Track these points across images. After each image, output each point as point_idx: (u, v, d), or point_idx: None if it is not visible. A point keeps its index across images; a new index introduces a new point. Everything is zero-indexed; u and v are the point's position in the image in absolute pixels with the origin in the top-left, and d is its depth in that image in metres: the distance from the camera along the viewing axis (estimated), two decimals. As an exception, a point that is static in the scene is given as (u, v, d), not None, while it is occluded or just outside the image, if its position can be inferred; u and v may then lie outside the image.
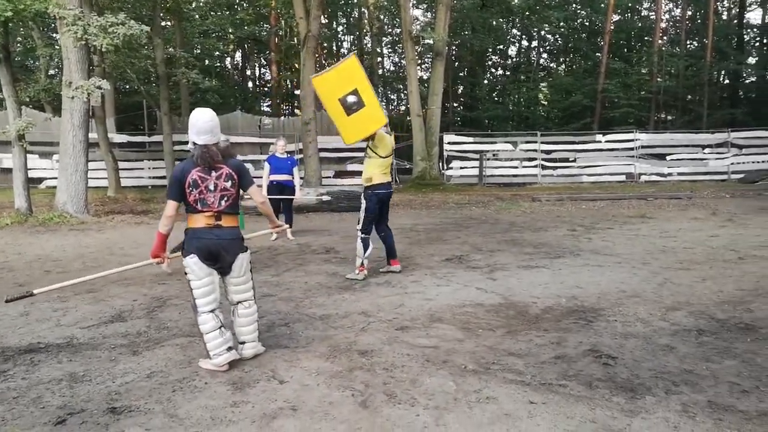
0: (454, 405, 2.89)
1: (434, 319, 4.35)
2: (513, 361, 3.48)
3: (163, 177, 17.14)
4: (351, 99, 5.51)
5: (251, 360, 3.50)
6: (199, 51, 26.20)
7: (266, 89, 33.17)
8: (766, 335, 3.85)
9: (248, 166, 18.03)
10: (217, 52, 28.18)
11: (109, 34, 9.49)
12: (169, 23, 21.68)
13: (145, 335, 4.08)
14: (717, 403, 2.86)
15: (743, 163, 19.90)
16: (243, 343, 3.52)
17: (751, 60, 31.32)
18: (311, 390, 3.08)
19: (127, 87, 21.87)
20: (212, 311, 3.39)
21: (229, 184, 3.38)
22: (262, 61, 31.94)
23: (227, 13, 24.59)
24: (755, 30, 33.39)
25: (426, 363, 3.46)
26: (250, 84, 34.33)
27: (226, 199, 3.38)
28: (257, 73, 35.00)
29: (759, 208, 11.39)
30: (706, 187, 17.21)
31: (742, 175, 19.09)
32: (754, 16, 34.02)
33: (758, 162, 19.71)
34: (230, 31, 24.78)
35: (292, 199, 8.58)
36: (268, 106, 31.80)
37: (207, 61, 27.40)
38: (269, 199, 8.53)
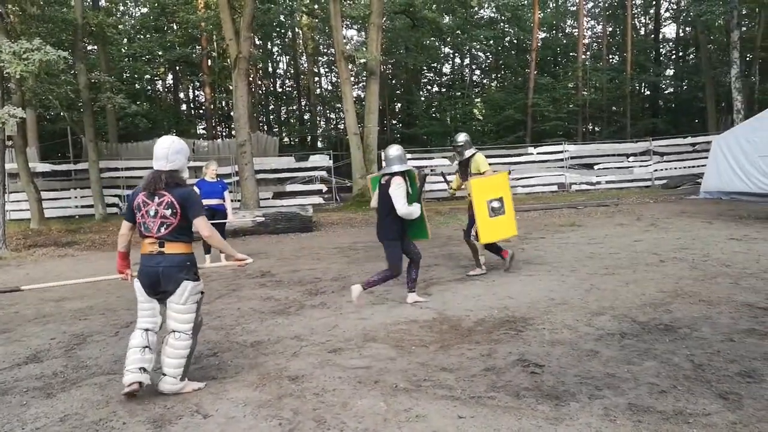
0: (384, 426, 2.86)
1: (368, 339, 4.31)
2: (444, 376, 3.49)
3: (91, 206, 16.41)
4: (496, 204, 6.31)
5: (174, 395, 3.35)
6: (128, 75, 25.47)
7: (201, 111, 32.53)
8: (683, 335, 4.02)
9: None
10: (147, 76, 27.45)
11: (23, 60, 9.05)
12: (94, 47, 20.99)
13: (62, 376, 3.84)
14: (637, 405, 2.95)
15: (665, 169, 21.01)
16: (164, 375, 3.37)
17: (669, 72, 33.35)
18: (237, 422, 2.97)
19: (51, 114, 20.91)
20: (146, 330, 3.41)
21: (169, 212, 3.34)
22: (196, 83, 31.32)
23: (156, 35, 24.04)
24: (671, 44, 35.62)
25: (357, 385, 3.41)
26: (183, 107, 33.58)
27: (165, 226, 3.35)
28: (191, 96, 34.30)
29: (680, 212, 12.02)
30: (631, 193, 18.06)
31: (664, 181, 20.14)
32: (669, 30, 36.32)
33: (679, 168, 20.86)
34: (160, 53, 24.19)
35: (225, 223, 8.48)
36: (203, 128, 31.16)
37: (137, 85, 26.65)
38: None
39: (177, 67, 28.71)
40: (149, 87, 29.91)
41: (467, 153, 6.58)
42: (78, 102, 15.88)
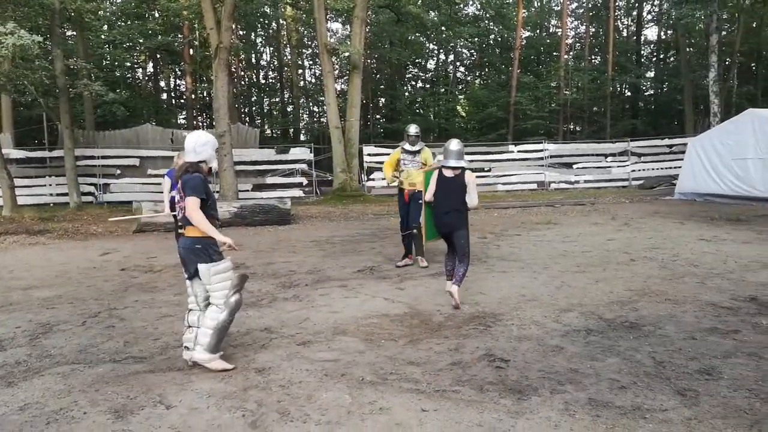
0: (347, 418, 2.87)
1: (338, 332, 4.32)
2: (411, 370, 3.51)
3: (65, 194, 16.12)
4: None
5: (137, 385, 3.33)
6: (107, 62, 25.03)
7: (181, 101, 32.14)
8: (647, 332, 4.10)
9: (161, 180, 17.28)
10: (127, 63, 27.01)
11: (-5, 43, 8.85)
12: (72, 33, 20.59)
13: (25, 364, 3.78)
14: (597, 399, 3.00)
15: (643, 170, 21.31)
16: (198, 344, 3.56)
17: (650, 74, 33.81)
18: (200, 413, 2.96)
19: (27, 99, 20.48)
20: (190, 310, 3.72)
21: (179, 197, 3.65)
22: (177, 72, 30.92)
23: (137, 22, 23.64)
24: (652, 46, 36.10)
25: (324, 377, 3.42)
26: (164, 96, 33.14)
27: (181, 210, 3.65)
28: (171, 85, 33.86)
29: (654, 212, 12.21)
30: (608, 193, 18.28)
31: (641, 182, 20.42)
32: (651, 33, 36.81)
33: (656, 169, 21.17)
34: (140, 41, 23.79)
35: None
36: (183, 118, 30.80)
37: (117, 73, 26.21)
38: (173, 214, 8.23)
39: (158, 56, 28.34)
40: (129, 75, 29.43)
41: (418, 145, 7.03)
42: (54, 88, 15.57)
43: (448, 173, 5.13)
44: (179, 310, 5.06)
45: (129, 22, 24.34)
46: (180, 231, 3.73)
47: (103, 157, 17.15)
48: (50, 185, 17.13)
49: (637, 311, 4.62)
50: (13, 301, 5.61)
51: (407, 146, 7.06)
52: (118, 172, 17.40)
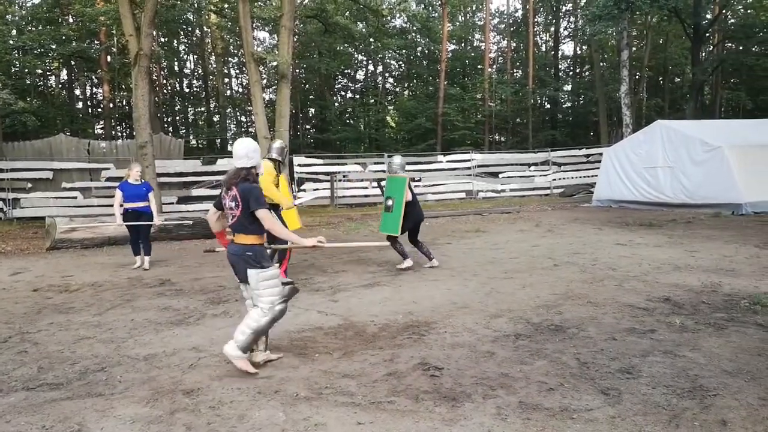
0: (281, 437, 2.80)
1: (270, 348, 4.21)
2: (346, 383, 3.48)
3: (-29, 209, 14.93)
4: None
5: (54, 414, 3.11)
6: (16, 68, 23.49)
7: (98, 110, 30.60)
8: (572, 334, 4.27)
9: (76, 194, 16.31)
10: (39, 70, 25.43)
11: None
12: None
13: None
14: (527, 403, 3.09)
15: (563, 179, 22.33)
16: (233, 338, 3.65)
17: (567, 87, 35.60)
18: (123, 441, 2.80)
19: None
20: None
21: (233, 204, 3.68)
22: (93, 80, 29.41)
23: (49, 27, 22.34)
24: (569, 60, 38.06)
25: (257, 395, 3.32)
26: (80, 104, 31.43)
27: (232, 218, 3.71)
28: (88, 93, 32.18)
29: (574, 219, 12.80)
30: (532, 201, 19.03)
31: (562, 190, 21.41)
32: (568, 48, 38.83)
33: (575, 177, 22.25)
34: (53, 47, 22.48)
35: (150, 225, 8.32)
36: (101, 128, 29.33)
37: (27, 80, 24.62)
38: (128, 226, 8.02)
39: (72, 63, 26.85)
40: (41, 82, 27.73)
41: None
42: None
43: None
44: (98, 332, 4.79)
45: (40, 27, 22.98)
46: (230, 236, 3.82)
47: (13, 170, 16.00)
48: (-49, 200, 15.79)
49: (561, 314, 4.81)
50: None
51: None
52: (29, 185, 16.28)
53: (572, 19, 35.43)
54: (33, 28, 23.11)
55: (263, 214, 3.63)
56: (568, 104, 35.50)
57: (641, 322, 4.53)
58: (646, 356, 3.75)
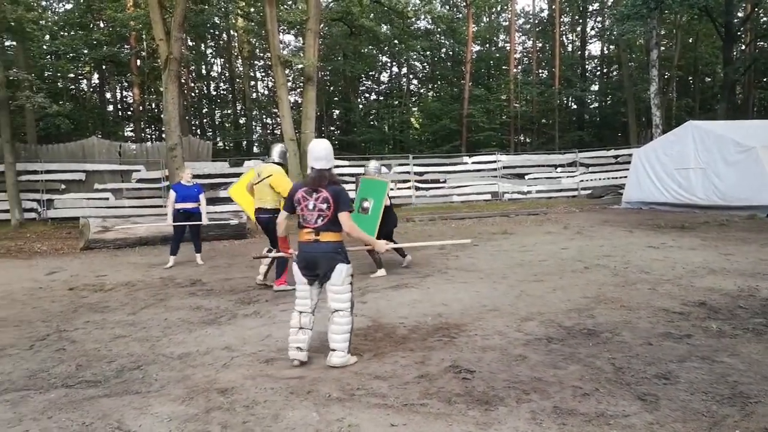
0: (316, 437, 2.82)
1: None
2: (378, 384, 3.48)
3: (6, 211, 15.34)
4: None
5: (93, 411, 3.17)
6: (50, 73, 24.11)
7: (129, 113, 31.21)
8: (605, 339, 4.20)
9: (108, 195, 16.66)
10: (71, 75, 26.06)
11: (-71, 52, 8.37)
12: (12, 43, 19.71)
13: (-33, 394, 3.55)
14: (561, 408, 3.05)
15: (590, 180, 22.04)
16: (333, 350, 3.81)
17: (594, 87, 35.11)
18: (161, 438, 2.84)
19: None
20: (300, 312, 3.91)
21: (324, 206, 3.82)
22: (124, 83, 30.02)
23: (81, 33, 22.88)
24: (596, 60, 37.54)
25: (290, 395, 3.35)
26: (110, 108, 32.10)
27: (322, 218, 3.84)
28: (118, 96, 32.85)
29: (603, 221, 12.62)
30: (559, 203, 18.81)
31: (589, 191, 21.12)
32: (595, 48, 38.30)
33: (603, 179, 21.94)
34: (85, 51, 23.02)
35: (200, 225, 8.81)
36: (131, 131, 29.90)
37: (60, 84, 25.25)
38: (175, 226, 8.30)
39: (103, 67, 27.43)
40: (73, 86, 28.41)
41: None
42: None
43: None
44: (133, 331, 4.88)
45: (73, 33, 23.54)
46: (308, 237, 3.89)
47: (47, 172, 16.43)
48: (-11, 201, 16.25)
49: (594, 318, 4.74)
50: (-49, 325, 5.28)
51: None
52: (63, 187, 16.69)
53: (599, 18, 34.96)
54: (65, 33, 23.69)
55: (347, 217, 3.85)
56: (596, 105, 35.00)
57: (677, 326, 4.44)
58: (683, 362, 3.67)
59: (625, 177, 17.05)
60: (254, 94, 35.18)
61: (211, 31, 30.36)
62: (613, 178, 21.55)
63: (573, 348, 4.01)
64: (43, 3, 25.55)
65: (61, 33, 23.58)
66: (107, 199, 16.85)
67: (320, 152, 3.91)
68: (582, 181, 21.78)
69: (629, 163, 16.89)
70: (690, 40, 30.88)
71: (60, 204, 16.52)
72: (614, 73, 35.86)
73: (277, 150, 6.72)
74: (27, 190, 16.10)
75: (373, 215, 6.99)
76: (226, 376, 3.70)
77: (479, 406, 3.10)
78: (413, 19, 28.12)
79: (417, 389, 3.38)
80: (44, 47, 21.99)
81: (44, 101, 14.67)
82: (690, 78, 33.41)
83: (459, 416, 2.99)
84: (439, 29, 32.30)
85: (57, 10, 26.65)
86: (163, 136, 19.19)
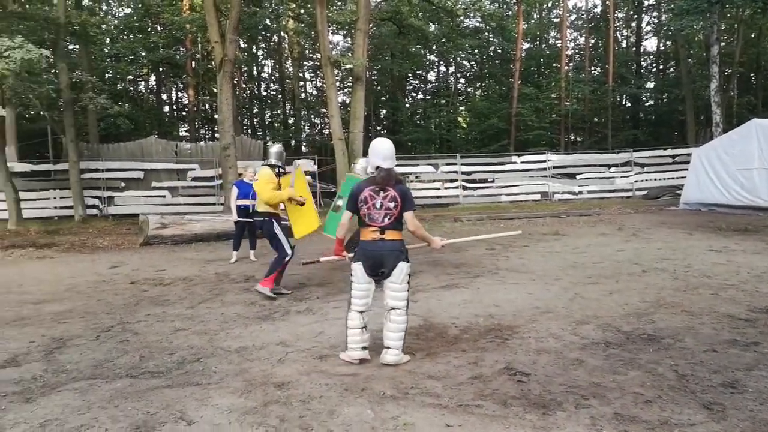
0: (372, 434, 2.84)
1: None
2: (431, 384, 3.48)
3: (70, 207, 16.12)
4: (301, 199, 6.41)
5: (157, 401, 3.30)
6: (110, 75, 25.18)
7: (183, 113, 32.25)
8: (667, 345, 4.06)
9: (164, 193, 17.29)
10: (130, 76, 27.14)
11: (4, 58, 8.90)
12: (76, 47, 20.69)
13: (41, 380, 3.75)
14: (623, 414, 2.97)
15: (646, 180, 21.35)
16: (388, 348, 3.84)
17: (650, 84, 33.94)
18: (222, 430, 2.93)
19: (31, 113, 20.56)
20: (361, 312, 3.91)
21: (392, 205, 3.86)
22: (179, 84, 31.05)
23: (139, 36, 23.79)
24: (651, 57, 36.29)
25: (344, 392, 3.38)
26: (166, 108, 33.26)
27: (389, 217, 3.87)
28: (174, 97, 33.99)
29: (660, 223, 12.19)
30: (613, 204, 18.29)
31: (645, 192, 20.44)
32: (651, 44, 37.00)
33: (659, 179, 21.21)
34: (143, 54, 23.94)
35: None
36: (186, 130, 30.88)
37: (119, 86, 26.34)
38: (236, 222, 8.59)
39: (160, 69, 28.45)
40: (131, 88, 29.58)
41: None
42: (59, 101, 15.64)
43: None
44: (192, 324, 5.04)
45: (132, 36, 24.50)
46: (373, 235, 3.89)
47: (108, 170, 17.18)
48: (55, 198, 17.13)
49: (654, 323, 4.59)
50: (25, 315, 5.58)
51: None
52: (123, 184, 17.41)
53: (656, 13, 33.76)
54: (125, 37, 24.68)
55: (412, 216, 3.91)
56: (651, 102, 33.83)
57: (743, 333, 4.25)
58: (750, 370, 3.51)
59: (683, 177, 16.44)
60: (303, 95, 35.72)
61: (263, 33, 30.99)
62: (670, 178, 20.82)
63: (633, 353, 3.90)
64: (104, 7, 26.73)
65: (121, 36, 24.60)
66: (164, 196, 17.48)
67: (387, 151, 3.95)
68: (637, 181, 21.13)
69: (687, 162, 16.28)
70: (752, 36, 29.42)
71: (120, 201, 17.24)
72: (671, 69, 34.58)
73: (273, 151, 6.37)
74: (89, 188, 16.87)
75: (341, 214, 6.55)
76: (282, 371, 3.77)
77: (536, 409, 3.05)
78: (462, 18, 27.92)
79: (471, 390, 3.35)
80: (105, 50, 23.00)
81: (106, 102, 15.34)
82: (752, 75, 31.83)
83: (516, 419, 2.95)
84: (488, 27, 31.94)
85: (117, 14, 27.81)
86: (217, 135, 19.72)
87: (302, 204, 6.44)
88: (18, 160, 17.31)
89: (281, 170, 6.33)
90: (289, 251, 6.18)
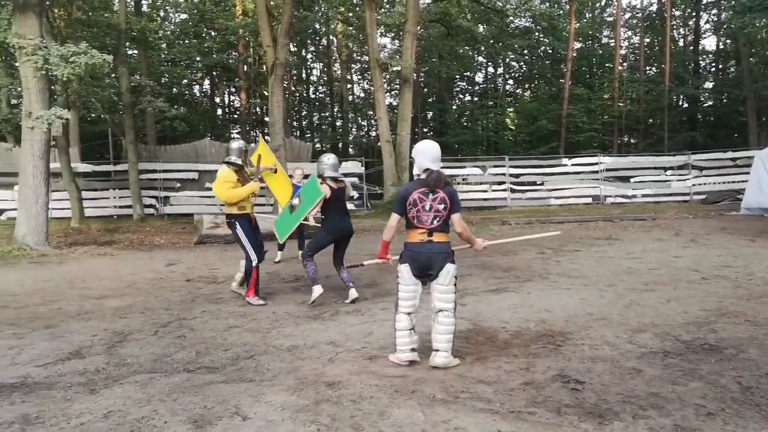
0: (423, 437, 2.84)
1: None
2: (482, 388, 3.44)
3: (129, 206, 16.80)
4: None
5: (213, 396, 3.39)
6: (166, 79, 26.10)
7: (235, 116, 33.08)
8: (729, 356, 3.90)
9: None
10: (185, 80, 28.05)
11: (70, 63, 9.34)
12: (134, 52, 21.55)
13: (104, 372, 3.92)
14: (683, 426, 2.86)
15: (704, 184, 20.50)
16: (437, 350, 3.83)
17: (708, 85, 32.62)
18: (276, 426, 2.98)
19: (93, 115, 21.54)
20: (408, 314, 3.92)
21: (442, 207, 3.86)
22: (231, 88, 31.90)
23: (195, 41, 24.57)
24: (710, 56, 34.86)
25: (394, 393, 3.39)
26: (219, 111, 34.21)
27: (438, 219, 3.88)
28: (226, 101, 34.92)
29: (720, 229, 11.70)
30: (669, 208, 17.65)
31: (704, 196, 19.64)
32: (709, 42, 35.55)
33: (719, 183, 20.34)
34: (198, 59, 24.72)
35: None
36: (237, 133, 31.68)
37: (175, 89, 27.27)
38: None
39: (214, 73, 29.31)
40: (186, 91, 30.57)
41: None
42: (119, 104, 16.32)
43: (337, 185, 5.89)
44: (245, 322, 5.16)
45: (187, 41, 25.32)
46: (421, 237, 3.89)
47: (164, 171, 17.80)
48: (114, 198, 17.88)
49: (715, 333, 4.41)
50: (88, 310, 5.85)
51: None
52: (178, 185, 18.01)
53: (715, 11, 32.41)
54: (181, 42, 25.54)
55: (459, 217, 3.93)
56: (710, 103, 32.49)
57: (813, 346, 4.03)
58: (823, 385, 3.33)
59: (744, 181, 15.71)
60: (351, 97, 36.06)
61: (312, 36, 31.47)
62: (730, 182, 19.94)
63: (693, 364, 3.75)
64: (162, 14, 27.73)
65: (177, 41, 25.47)
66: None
67: (435, 153, 3.95)
68: (695, 185, 20.33)
69: (749, 166, 15.55)
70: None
71: (175, 201, 17.85)
72: (731, 69, 33.13)
73: (233, 147, 6.03)
74: (147, 188, 17.53)
75: (296, 217, 6.12)
76: (333, 371, 3.81)
77: (592, 418, 2.98)
78: (512, 18, 27.59)
79: (523, 396, 3.30)
80: (162, 55, 23.85)
81: (164, 105, 15.91)
82: (820, 73, 30.14)
83: (570, 428, 2.89)
84: (538, 27, 31.42)
85: (173, 20, 28.81)
86: (267, 137, 20.09)
87: (275, 171, 6.25)
88: (80, 161, 18.16)
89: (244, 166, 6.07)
90: (253, 257, 5.84)
